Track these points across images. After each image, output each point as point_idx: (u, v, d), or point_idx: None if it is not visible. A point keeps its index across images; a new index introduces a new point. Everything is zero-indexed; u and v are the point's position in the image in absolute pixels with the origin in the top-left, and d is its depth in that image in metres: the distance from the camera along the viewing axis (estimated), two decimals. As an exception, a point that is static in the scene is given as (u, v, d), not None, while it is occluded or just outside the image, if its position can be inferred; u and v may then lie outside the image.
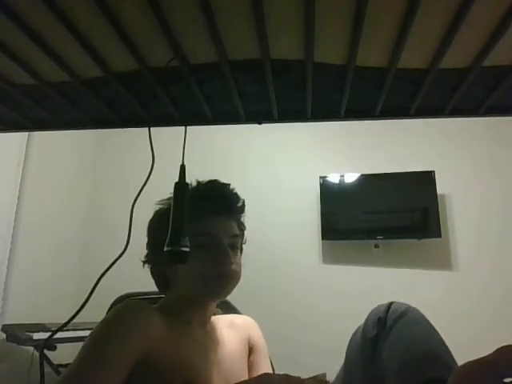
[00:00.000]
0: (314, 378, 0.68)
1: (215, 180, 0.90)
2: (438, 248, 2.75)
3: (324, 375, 0.68)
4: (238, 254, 0.87)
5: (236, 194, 0.89)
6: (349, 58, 0.70)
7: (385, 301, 0.91)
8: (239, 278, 0.85)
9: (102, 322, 0.72)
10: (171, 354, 0.74)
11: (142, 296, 1.18)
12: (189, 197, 0.80)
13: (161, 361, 0.72)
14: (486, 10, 0.58)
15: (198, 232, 0.81)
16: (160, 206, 0.88)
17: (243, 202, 0.90)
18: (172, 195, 0.74)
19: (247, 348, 0.92)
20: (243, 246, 0.93)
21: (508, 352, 0.40)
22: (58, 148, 2.92)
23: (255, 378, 0.66)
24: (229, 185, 0.89)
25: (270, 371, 0.96)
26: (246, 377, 0.87)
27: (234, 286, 0.84)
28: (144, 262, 0.88)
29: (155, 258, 0.86)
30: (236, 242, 0.86)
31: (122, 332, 0.70)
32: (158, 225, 0.86)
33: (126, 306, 0.76)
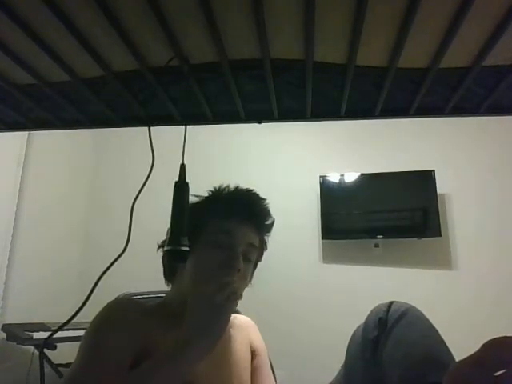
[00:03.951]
0: None
1: (252, 190, 0.90)
2: (437, 247, 2.76)
3: None
4: (250, 266, 0.86)
5: (268, 211, 0.89)
6: (349, 57, 0.70)
7: (385, 300, 0.90)
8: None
9: (94, 320, 0.72)
10: None
11: (142, 296, 1.18)
12: (222, 196, 0.87)
13: None
14: (486, 9, 0.58)
15: (219, 229, 0.82)
16: (196, 199, 0.88)
17: (273, 221, 0.89)
18: (209, 192, 0.81)
19: (249, 351, 0.92)
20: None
21: (493, 346, 0.40)
22: (57, 148, 2.92)
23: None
24: (264, 200, 0.89)
25: (271, 374, 0.96)
26: (248, 378, 0.87)
27: None
28: (159, 247, 0.87)
29: None
30: (250, 251, 0.85)
31: (114, 328, 0.71)
32: None
33: (116, 303, 0.76)
